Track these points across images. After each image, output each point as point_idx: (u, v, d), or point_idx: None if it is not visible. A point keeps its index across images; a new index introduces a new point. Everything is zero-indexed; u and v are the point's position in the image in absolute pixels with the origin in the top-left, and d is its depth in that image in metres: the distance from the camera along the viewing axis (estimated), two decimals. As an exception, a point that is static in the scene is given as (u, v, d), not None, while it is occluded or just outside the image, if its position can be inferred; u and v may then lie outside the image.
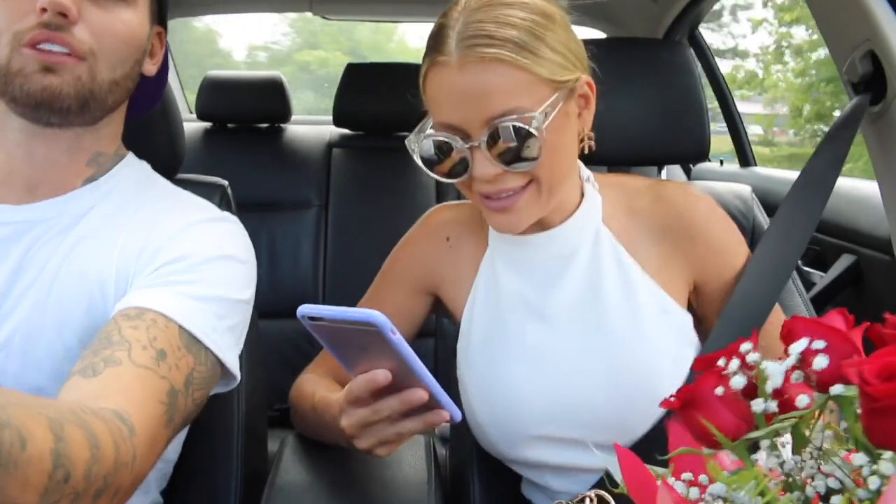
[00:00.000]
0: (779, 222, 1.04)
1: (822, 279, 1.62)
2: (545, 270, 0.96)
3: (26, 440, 0.53)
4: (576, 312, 0.93)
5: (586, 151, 0.94)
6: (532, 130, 0.81)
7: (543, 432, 0.92)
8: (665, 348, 0.90)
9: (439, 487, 0.93)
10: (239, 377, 0.87)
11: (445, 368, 1.04)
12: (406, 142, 0.89)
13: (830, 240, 1.61)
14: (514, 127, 0.81)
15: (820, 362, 0.41)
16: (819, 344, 0.42)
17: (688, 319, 0.93)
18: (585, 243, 0.95)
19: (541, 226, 0.95)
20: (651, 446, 0.87)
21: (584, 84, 0.89)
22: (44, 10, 0.78)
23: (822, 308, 1.51)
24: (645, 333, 0.90)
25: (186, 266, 0.83)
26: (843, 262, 1.58)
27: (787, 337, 0.44)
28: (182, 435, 0.93)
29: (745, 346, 0.44)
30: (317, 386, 0.99)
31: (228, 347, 0.84)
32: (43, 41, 0.79)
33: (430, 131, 0.86)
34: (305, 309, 0.71)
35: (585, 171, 0.99)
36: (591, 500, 0.87)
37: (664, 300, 0.92)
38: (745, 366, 0.43)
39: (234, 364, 0.85)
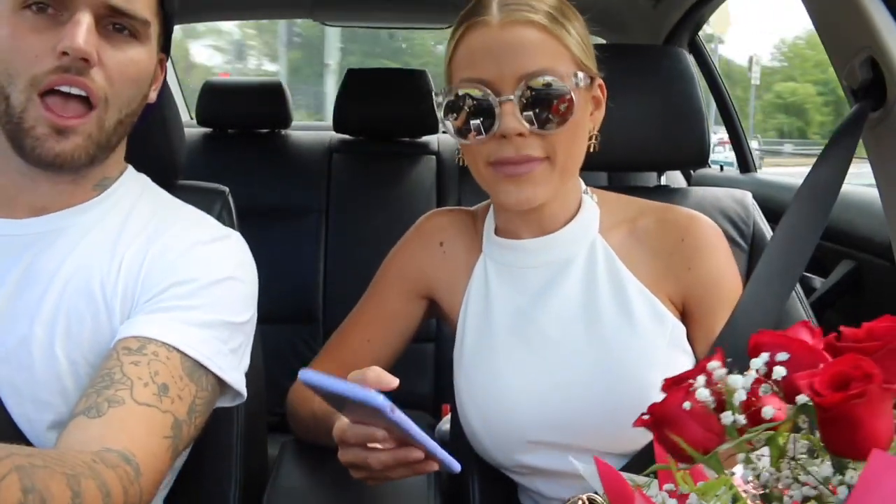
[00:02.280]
0: (783, 232, 1.03)
1: (822, 285, 1.62)
2: (539, 278, 0.96)
3: (47, 503, 0.57)
4: (568, 320, 0.93)
5: (591, 150, 0.95)
6: (565, 88, 0.86)
7: (535, 438, 0.92)
8: (657, 357, 0.90)
9: (439, 491, 0.93)
10: (245, 395, 0.88)
11: (445, 374, 1.04)
12: (433, 95, 0.92)
13: (830, 245, 1.61)
14: (547, 83, 0.85)
15: (779, 372, 0.41)
16: (782, 356, 0.42)
17: (681, 328, 0.93)
18: (581, 252, 0.95)
19: (539, 230, 0.95)
20: (651, 459, 0.87)
21: (598, 86, 0.93)
22: (63, 53, 0.75)
23: (822, 314, 1.51)
24: (638, 341, 0.90)
25: (191, 290, 0.83)
26: (843, 268, 1.57)
27: (754, 350, 0.44)
28: None
29: (713, 364, 0.44)
30: None
31: (233, 368, 0.85)
32: (61, 85, 0.77)
33: (460, 86, 0.88)
34: (307, 375, 0.71)
35: (583, 184, 1.00)
36: (583, 503, 0.87)
37: (658, 309, 0.92)
38: (710, 381, 0.43)
39: (240, 384, 0.86)
